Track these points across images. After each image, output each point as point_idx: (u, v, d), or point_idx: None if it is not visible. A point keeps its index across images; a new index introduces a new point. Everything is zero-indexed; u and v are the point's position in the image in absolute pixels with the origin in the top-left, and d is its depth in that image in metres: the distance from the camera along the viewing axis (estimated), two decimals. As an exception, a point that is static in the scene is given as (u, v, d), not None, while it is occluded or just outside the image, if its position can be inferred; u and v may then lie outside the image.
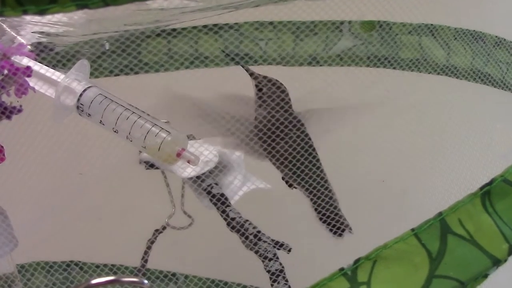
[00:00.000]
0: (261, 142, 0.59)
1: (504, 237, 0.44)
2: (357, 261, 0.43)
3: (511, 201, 0.45)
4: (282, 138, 0.59)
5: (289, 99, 0.60)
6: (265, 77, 0.60)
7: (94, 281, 0.37)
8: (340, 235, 0.60)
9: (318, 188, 0.60)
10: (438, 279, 0.42)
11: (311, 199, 0.61)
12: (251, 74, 0.60)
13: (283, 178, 0.62)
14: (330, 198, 0.60)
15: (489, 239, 0.43)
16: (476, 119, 0.61)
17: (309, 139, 0.60)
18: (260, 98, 0.60)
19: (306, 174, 0.60)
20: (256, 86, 0.60)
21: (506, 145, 0.56)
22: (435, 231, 0.43)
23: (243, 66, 0.61)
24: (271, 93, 0.59)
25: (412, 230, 0.43)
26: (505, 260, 0.43)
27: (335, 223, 0.60)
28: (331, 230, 0.60)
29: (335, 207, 0.60)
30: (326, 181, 0.60)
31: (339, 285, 0.42)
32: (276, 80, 0.60)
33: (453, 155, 0.59)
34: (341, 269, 0.42)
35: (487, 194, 0.44)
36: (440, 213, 0.44)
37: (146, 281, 0.38)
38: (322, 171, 0.60)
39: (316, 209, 0.61)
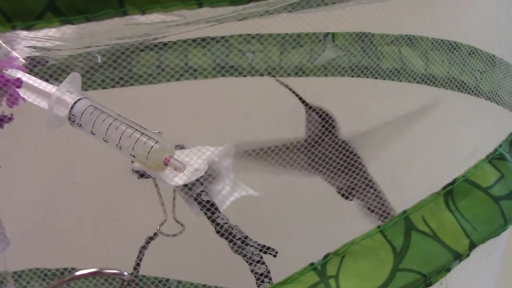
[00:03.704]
0: (313, 169, 0.62)
1: (465, 233, 0.46)
2: (326, 256, 0.45)
3: (473, 200, 0.47)
4: (335, 162, 0.61)
5: (337, 126, 0.64)
6: (316, 107, 0.63)
7: (78, 273, 0.39)
8: None
9: (370, 199, 0.63)
10: (401, 272, 0.44)
11: (368, 208, 0.64)
12: (306, 105, 0.63)
13: (338, 192, 0.66)
14: (383, 204, 0.63)
15: (451, 235, 0.45)
16: (440, 123, 0.63)
17: (358, 157, 0.63)
18: (324, 126, 0.63)
19: (359, 189, 0.64)
20: (323, 118, 0.63)
21: (468, 147, 0.57)
22: (400, 228, 0.45)
23: (299, 98, 0.64)
24: (325, 122, 0.63)
25: (378, 227, 0.45)
26: (467, 255, 0.45)
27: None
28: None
29: (387, 207, 0.63)
30: (376, 190, 0.64)
31: (309, 278, 0.44)
32: (326, 111, 0.64)
33: (419, 157, 0.61)
34: (311, 264, 0.44)
35: (449, 193, 0.46)
36: (404, 211, 0.46)
37: (126, 273, 0.40)
38: (372, 183, 0.64)
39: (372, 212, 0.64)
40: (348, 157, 0.61)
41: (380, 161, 0.66)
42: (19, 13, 0.39)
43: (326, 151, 0.61)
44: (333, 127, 0.63)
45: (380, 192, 0.64)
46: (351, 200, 0.66)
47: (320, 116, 0.63)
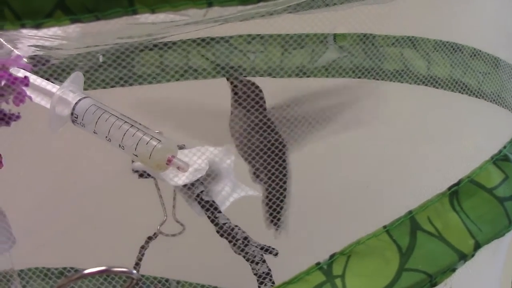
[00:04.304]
0: (236, 141, 0.62)
1: (470, 233, 0.46)
2: (332, 256, 0.45)
3: (477, 200, 0.47)
4: (254, 136, 0.61)
5: (263, 99, 0.63)
6: (240, 80, 0.63)
7: (86, 271, 0.39)
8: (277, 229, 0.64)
9: (276, 187, 0.63)
10: (407, 272, 0.44)
11: (267, 196, 0.64)
12: (227, 78, 0.63)
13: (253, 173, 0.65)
14: (283, 198, 0.63)
15: (456, 235, 0.45)
16: (445, 125, 0.63)
17: (279, 136, 0.62)
18: (236, 101, 0.62)
19: (269, 171, 0.63)
20: (233, 89, 0.63)
21: (472, 148, 0.58)
22: (405, 228, 0.45)
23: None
24: (247, 95, 0.62)
25: (384, 227, 0.45)
26: (472, 255, 0.46)
27: (276, 220, 0.64)
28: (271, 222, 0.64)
29: (282, 208, 0.64)
30: (285, 181, 0.63)
31: (315, 278, 0.44)
32: (251, 82, 0.63)
33: (424, 158, 0.61)
34: (318, 264, 0.44)
35: (455, 193, 0.47)
36: (410, 212, 0.46)
37: (134, 271, 0.40)
38: (286, 171, 0.63)
39: (267, 204, 0.64)
40: (265, 131, 0.61)
41: (385, 162, 0.66)
42: (28, 11, 0.39)
43: (240, 121, 0.61)
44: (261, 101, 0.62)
45: (288, 180, 0.63)
46: (258, 183, 0.65)
47: (233, 85, 0.63)
